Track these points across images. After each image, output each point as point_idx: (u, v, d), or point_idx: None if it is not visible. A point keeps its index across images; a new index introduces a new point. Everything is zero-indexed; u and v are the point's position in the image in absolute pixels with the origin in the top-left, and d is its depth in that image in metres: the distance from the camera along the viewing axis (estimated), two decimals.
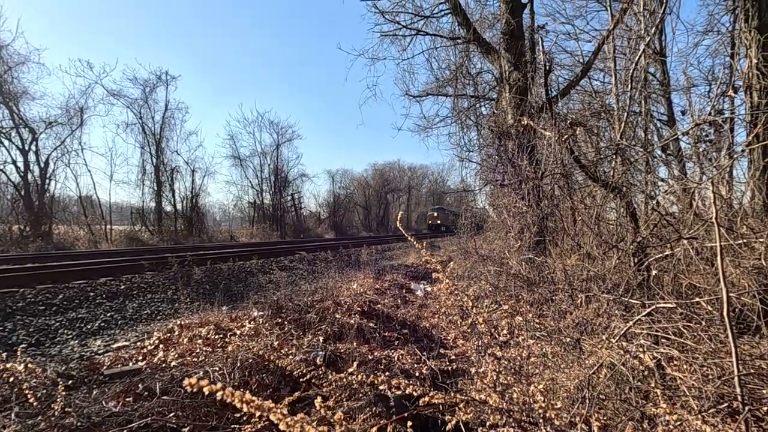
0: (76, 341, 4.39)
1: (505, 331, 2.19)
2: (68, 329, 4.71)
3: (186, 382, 1.13)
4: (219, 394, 1.22)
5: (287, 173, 32.07)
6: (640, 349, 2.24)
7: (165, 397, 2.28)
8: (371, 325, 4.16)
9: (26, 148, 17.57)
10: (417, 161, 69.73)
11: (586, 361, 2.37)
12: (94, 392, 2.55)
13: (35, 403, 1.88)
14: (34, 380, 2.45)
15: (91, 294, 5.94)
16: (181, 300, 4.51)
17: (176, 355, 3.54)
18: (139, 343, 4.19)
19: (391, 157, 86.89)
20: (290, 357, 3.24)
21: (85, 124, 19.94)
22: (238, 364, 2.69)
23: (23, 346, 3.59)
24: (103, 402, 2.17)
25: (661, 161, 5.13)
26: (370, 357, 3.30)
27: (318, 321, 4.27)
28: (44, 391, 2.16)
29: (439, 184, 55.15)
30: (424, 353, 3.41)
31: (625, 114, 4.16)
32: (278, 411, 1.24)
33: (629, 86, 4.21)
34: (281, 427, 1.28)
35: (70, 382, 2.92)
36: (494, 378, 1.73)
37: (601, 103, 5.75)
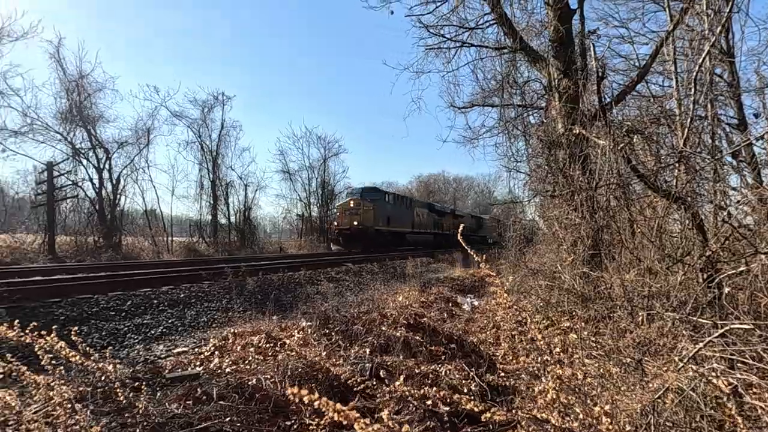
0: (141, 345, 4.71)
1: (558, 349, 2.10)
2: (135, 334, 5.07)
3: (289, 391, 1.23)
4: (307, 399, 1.27)
5: (334, 186, 32.88)
6: (713, 374, 2.06)
7: (221, 402, 2.39)
8: (417, 338, 4.13)
9: (101, 166, 19.34)
10: (462, 172, 68.92)
11: (650, 384, 2.21)
12: (158, 394, 2.73)
13: (123, 401, 2.04)
14: (105, 379, 2.64)
15: (155, 301, 6.37)
16: (235, 309, 4.74)
17: (230, 362, 3.70)
18: (196, 349, 4.41)
19: (434, 168, 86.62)
20: (338, 368, 3.29)
21: (151, 143, 21.66)
22: (288, 373, 2.76)
23: (95, 348, 3.91)
24: (167, 404, 2.31)
25: (731, 168, 4.74)
26: (416, 371, 3.27)
27: (364, 333, 4.30)
28: (116, 389, 2.33)
29: (485, 195, 54.10)
30: (472, 369, 3.33)
31: (689, 119, 3.89)
32: (361, 421, 1.27)
33: (692, 89, 3.94)
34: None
35: (136, 383, 3.13)
36: (554, 397, 1.66)
37: (660, 108, 5.42)
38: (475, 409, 1.67)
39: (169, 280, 7.82)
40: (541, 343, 1.86)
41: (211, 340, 4.55)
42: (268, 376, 2.78)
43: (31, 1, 35.20)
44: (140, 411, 1.92)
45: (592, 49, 4.92)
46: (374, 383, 2.66)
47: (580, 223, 4.87)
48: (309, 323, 4.94)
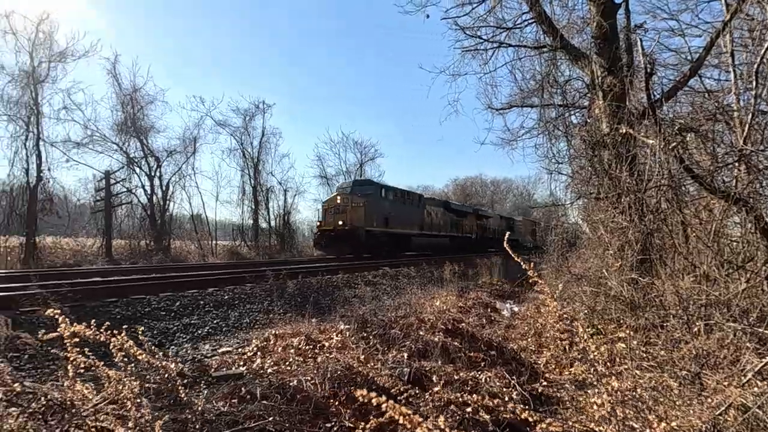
0: (189, 344, 4.93)
1: (604, 358, 2.00)
2: (183, 333, 5.32)
3: (357, 393, 1.26)
4: (374, 401, 1.29)
5: None
6: None
7: (264, 402, 2.46)
8: (456, 344, 4.08)
9: (152, 174, 20.60)
10: (500, 175, 67.41)
11: (709, 400, 2.06)
12: (205, 392, 2.85)
13: (184, 397, 2.16)
14: (168, 377, 2.79)
15: (201, 302, 6.66)
16: (275, 311, 4.89)
17: (272, 363, 3.80)
18: (240, 349, 4.56)
19: (471, 171, 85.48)
20: (376, 372, 3.30)
21: (197, 151, 22.81)
22: (329, 375, 2.80)
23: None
24: (214, 402, 2.41)
25: None
26: (455, 377, 3.23)
27: (402, 337, 4.30)
28: (168, 385, 2.46)
29: (524, 197, 52.68)
30: (513, 377, 3.24)
31: (750, 115, 3.62)
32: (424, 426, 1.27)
33: (754, 83, 3.66)
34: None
35: (186, 380, 3.28)
36: (610, 409, 1.59)
37: (717, 104, 5.07)
38: (529, 419, 1.61)
39: (214, 282, 8.16)
40: (595, 353, 1.78)
41: (254, 341, 4.69)
42: (309, 378, 2.83)
43: (92, 21, 38.07)
44: (198, 408, 2.01)
45: (639, 43, 4.69)
46: (414, 389, 2.65)
47: (628, 227, 4.63)
48: (347, 326, 4.99)
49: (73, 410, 1.78)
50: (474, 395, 2.58)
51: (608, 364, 2.13)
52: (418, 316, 4.79)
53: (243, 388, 2.78)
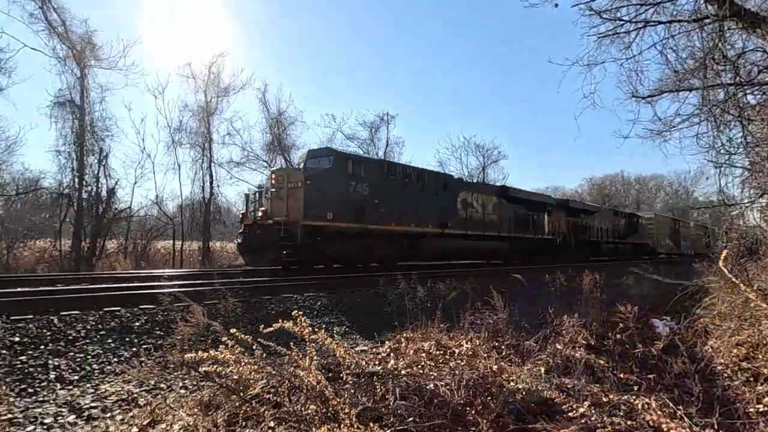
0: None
1: None
2: (324, 331, 5.90)
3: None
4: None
5: None
6: None
7: (402, 402, 2.59)
8: (601, 362, 3.69)
9: None
10: (647, 171, 58.51)
11: None
12: (348, 386, 3.12)
13: (328, 390, 2.46)
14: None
15: (339, 303, 7.30)
16: (406, 315, 5.09)
17: (404, 365, 3.96)
18: (374, 349, 4.86)
19: (609, 169, 76.09)
20: (512, 384, 3.18)
21: None
22: (463, 382, 2.81)
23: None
24: (359, 396, 2.63)
25: None
26: (603, 399, 2.93)
27: (537, 350, 4.07)
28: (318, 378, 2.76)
29: (680, 196, 44.90)
30: (679, 407, 2.79)
31: None
32: None
33: None
34: None
35: (330, 374, 3.64)
36: None
37: None
38: None
39: (350, 284, 8.85)
40: None
41: (386, 342, 4.95)
42: (443, 383, 2.88)
43: (245, 58, 44.88)
44: (346, 401, 2.24)
45: None
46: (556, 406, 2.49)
47: None
48: (477, 334, 4.92)
49: (307, 391, 2.21)
50: (629, 421, 2.32)
51: None
52: (555, 329, 4.48)
53: (381, 387, 2.96)
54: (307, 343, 2.44)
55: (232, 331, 2.64)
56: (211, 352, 2.20)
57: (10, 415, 2.90)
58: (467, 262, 16.07)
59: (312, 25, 68.94)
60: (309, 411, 2.22)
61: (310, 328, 2.51)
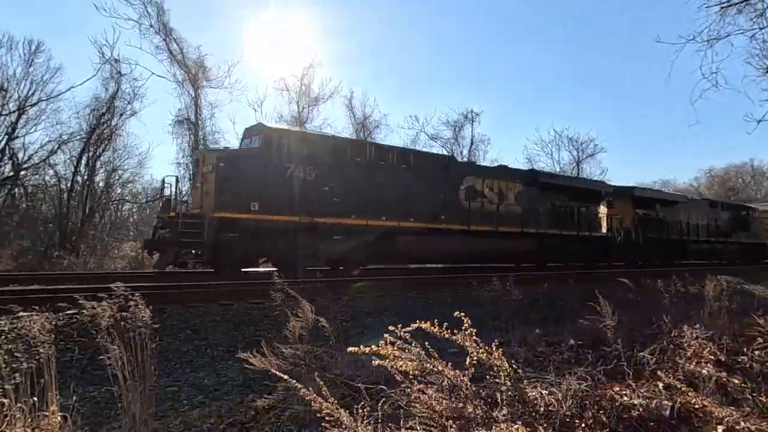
0: None
1: None
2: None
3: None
4: None
5: None
6: None
7: (507, 408, 2.53)
8: (736, 381, 3.24)
9: None
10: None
11: None
12: None
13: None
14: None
15: (430, 302, 7.39)
16: (501, 317, 4.95)
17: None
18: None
19: (733, 159, 65.43)
20: (625, 399, 2.94)
21: None
22: (571, 392, 2.68)
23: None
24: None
25: None
26: (742, 424, 2.57)
27: (653, 363, 3.70)
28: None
29: None
30: None
31: None
32: None
33: None
34: None
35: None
36: None
37: None
38: None
39: (438, 286, 8.88)
40: None
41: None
42: (547, 392, 2.77)
43: (332, 67, 47.35)
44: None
45: None
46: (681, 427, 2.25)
47: None
48: (578, 342, 4.62)
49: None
50: None
51: None
52: (673, 341, 4.03)
53: (481, 391, 2.93)
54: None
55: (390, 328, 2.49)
56: (372, 347, 2.28)
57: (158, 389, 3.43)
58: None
59: (401, 21, 69.90)
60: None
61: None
